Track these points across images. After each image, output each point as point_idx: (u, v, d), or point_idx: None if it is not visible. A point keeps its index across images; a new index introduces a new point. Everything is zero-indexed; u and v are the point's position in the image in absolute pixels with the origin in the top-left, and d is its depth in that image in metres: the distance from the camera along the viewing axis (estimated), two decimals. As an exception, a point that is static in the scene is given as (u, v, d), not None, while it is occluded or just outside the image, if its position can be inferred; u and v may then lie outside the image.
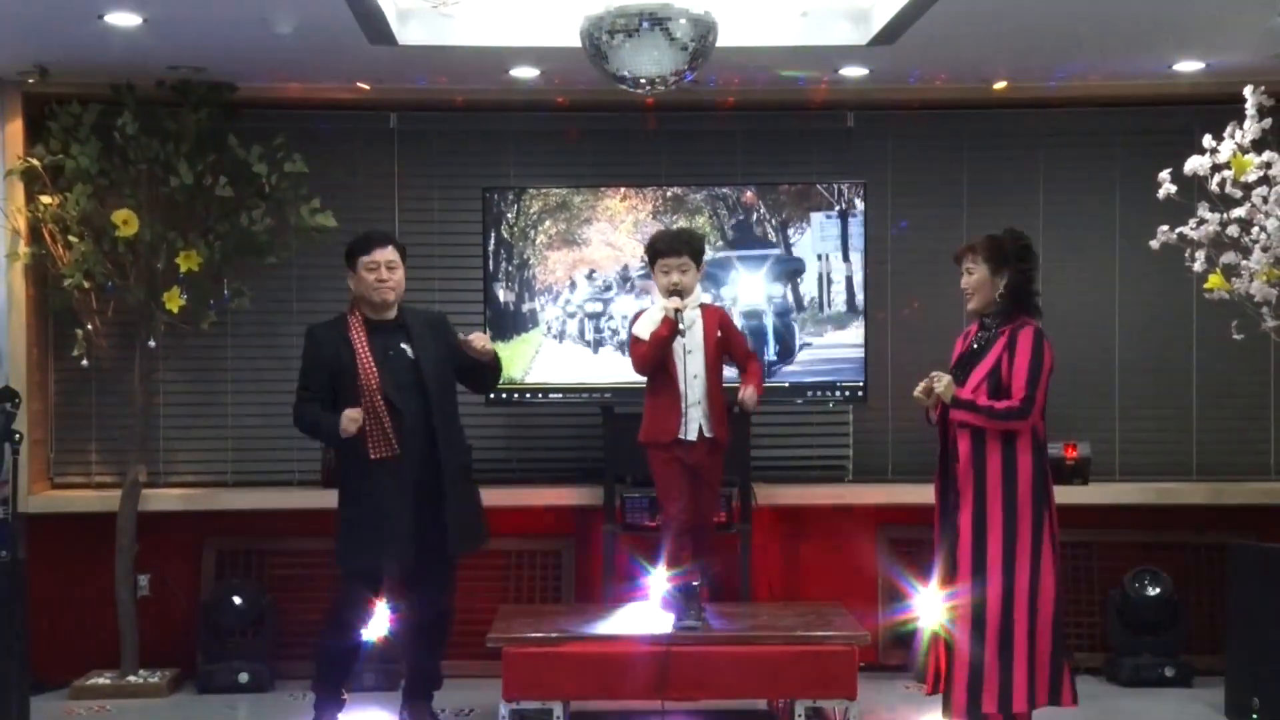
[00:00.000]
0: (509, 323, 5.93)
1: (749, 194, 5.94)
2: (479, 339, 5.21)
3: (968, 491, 4.63)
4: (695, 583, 5.07)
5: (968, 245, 4.82)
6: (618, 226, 5.94)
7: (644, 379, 5.27)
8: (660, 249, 5.16)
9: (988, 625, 4.59)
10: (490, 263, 5.94)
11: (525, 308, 5.95)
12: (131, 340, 6.08)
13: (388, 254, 5.14)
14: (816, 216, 5.90)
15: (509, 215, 5.94)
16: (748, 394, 5.21)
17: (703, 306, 5.24)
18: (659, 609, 5.13)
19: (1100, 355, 6.45)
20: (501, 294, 5.92)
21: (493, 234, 5.95)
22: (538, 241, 5.95)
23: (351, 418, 4.97)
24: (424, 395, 5.09)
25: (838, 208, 5.90)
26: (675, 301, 5.08)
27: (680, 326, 5.06)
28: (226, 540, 6.30)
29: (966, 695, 4.60)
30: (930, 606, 4.78)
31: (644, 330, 5.17)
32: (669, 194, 5.94)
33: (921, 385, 4.73)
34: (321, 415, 5.07)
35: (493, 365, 5.27)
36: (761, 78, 5.96)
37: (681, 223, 5.81)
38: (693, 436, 5.16)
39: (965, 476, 4.64)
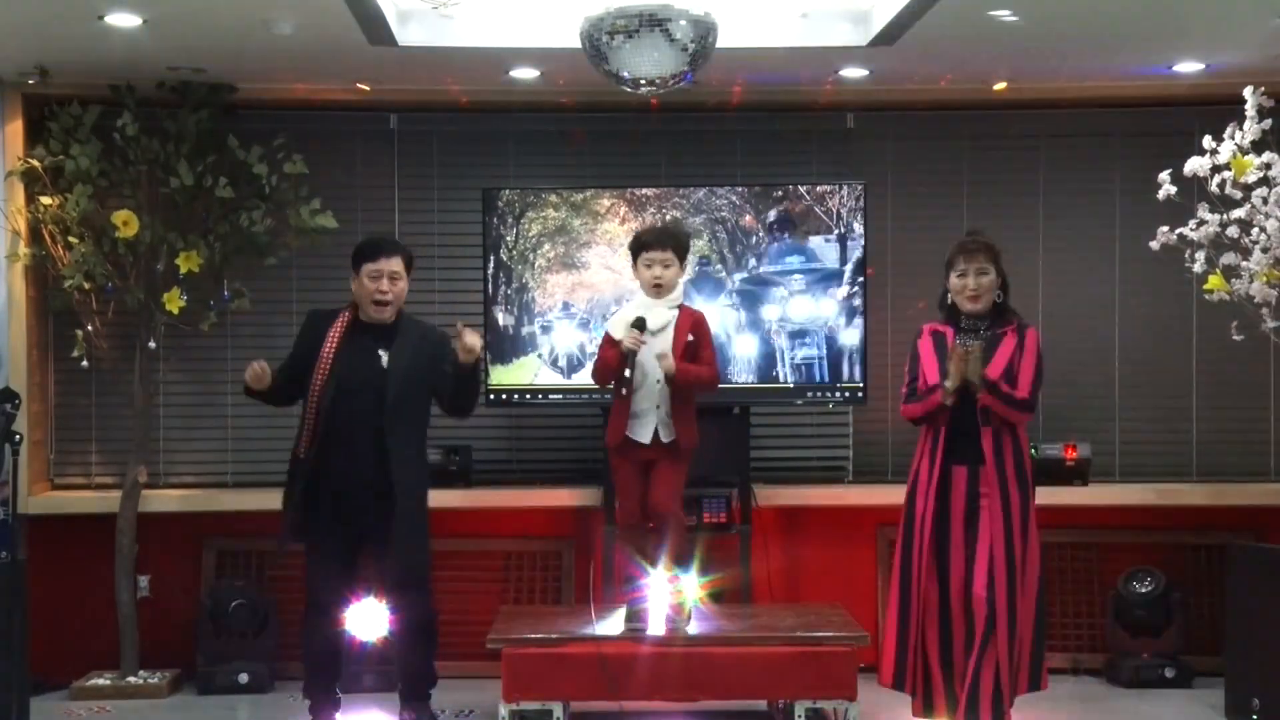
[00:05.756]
0: (508, 346, 5.90)
1: (748, 218, 5.90)
2: (470, 336, 4.96)
3: (994, 490, 4.71)
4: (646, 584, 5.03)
5: (982, 246, 4.87)
6: (616, 250, 5.85)
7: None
8: (646, 241, 5.01)
9: (1019, 616, 4.67)
10: (489, 286, 5.91)
11: (525, 330, 5.93)
12: (131, 341, 6.08)
13: (393, 264, 5.06)
14: (815, 240, 5.88)
15: (508, 238, 5.92)
16: (668, 362, 4.89)
17: (682, 308, 5.05)
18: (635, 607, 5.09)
19: (1100, 355, 6.44)
20: (501, 317, 5.89)
21: (491, 258, 5.93)
22: (537, 265, 5.92)
23: (254, 369, 4.95)
24: (380, 408, 4.95)
25: (836, 231, 5.87)
26: (635, 336, 4.88)
27: (641, 340, 4.88)
28: (226, 540, 6.30)
29: (995, 687, 4.69)
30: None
31: (617, 329, 5.00)
32: (668, 218, 5.86)
33: (956, 358, 4.69)
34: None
35: (472, 375, 5.06)
36: (761, 78, 5.96)
37: None
38: (646, 439, 4.98)
39: (991, 474, 4.72)
